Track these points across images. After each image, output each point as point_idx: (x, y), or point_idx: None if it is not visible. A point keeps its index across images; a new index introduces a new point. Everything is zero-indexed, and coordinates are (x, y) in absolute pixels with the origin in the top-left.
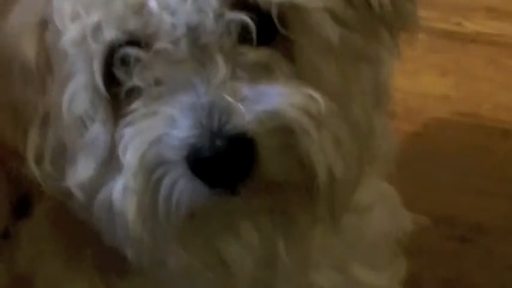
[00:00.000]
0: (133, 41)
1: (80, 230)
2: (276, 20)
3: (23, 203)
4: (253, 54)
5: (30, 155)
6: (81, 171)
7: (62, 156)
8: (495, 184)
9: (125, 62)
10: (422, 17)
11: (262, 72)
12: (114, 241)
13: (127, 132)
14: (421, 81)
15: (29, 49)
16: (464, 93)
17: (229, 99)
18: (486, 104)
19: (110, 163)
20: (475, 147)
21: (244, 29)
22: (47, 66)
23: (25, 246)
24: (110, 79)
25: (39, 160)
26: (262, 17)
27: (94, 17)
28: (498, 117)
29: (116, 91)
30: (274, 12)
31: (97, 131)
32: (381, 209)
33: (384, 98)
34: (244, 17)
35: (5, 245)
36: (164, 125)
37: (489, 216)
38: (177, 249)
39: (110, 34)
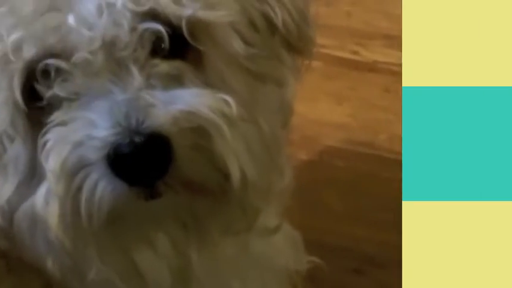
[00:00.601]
0: (54, 54)
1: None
2: (185, 33)
3: None
4: (165, 65)
5: None
6: (1, 193)
7: None
8: (389, 216)
9: (45, 75)
10: (319, 45)
11: (174, 82)
12: (35, 256)
13: (48, 139)
14: (318, 109)
15: None
16: (360, 122)
17: (146, 99)
18: (382, 134)
19: (31, 181)
20: (370, 177)
21: (157, 41)
22: None
23: None
24: (32, 95)
25: None
26: (173, 30)
27: (14, 36)
28: (394, 147)
29: (37, 107)
30: (184, 26)
31: (17, 149)
32: (284, 242)
33: (289, 118)
34: (157, 26)
35: None
36: (84, 128)
37: (382, 248)
38: (94, 258)
39: (30, 51)
